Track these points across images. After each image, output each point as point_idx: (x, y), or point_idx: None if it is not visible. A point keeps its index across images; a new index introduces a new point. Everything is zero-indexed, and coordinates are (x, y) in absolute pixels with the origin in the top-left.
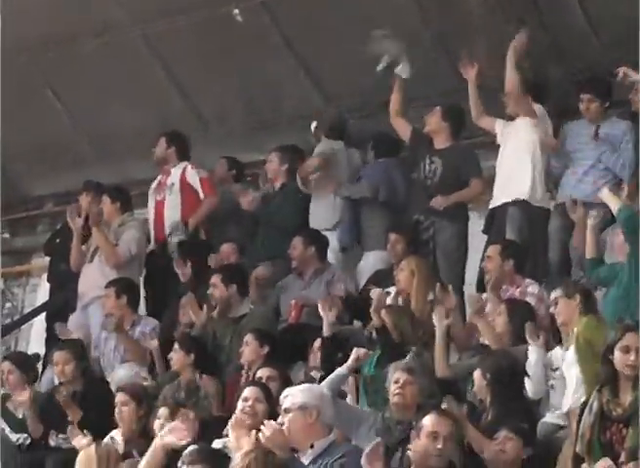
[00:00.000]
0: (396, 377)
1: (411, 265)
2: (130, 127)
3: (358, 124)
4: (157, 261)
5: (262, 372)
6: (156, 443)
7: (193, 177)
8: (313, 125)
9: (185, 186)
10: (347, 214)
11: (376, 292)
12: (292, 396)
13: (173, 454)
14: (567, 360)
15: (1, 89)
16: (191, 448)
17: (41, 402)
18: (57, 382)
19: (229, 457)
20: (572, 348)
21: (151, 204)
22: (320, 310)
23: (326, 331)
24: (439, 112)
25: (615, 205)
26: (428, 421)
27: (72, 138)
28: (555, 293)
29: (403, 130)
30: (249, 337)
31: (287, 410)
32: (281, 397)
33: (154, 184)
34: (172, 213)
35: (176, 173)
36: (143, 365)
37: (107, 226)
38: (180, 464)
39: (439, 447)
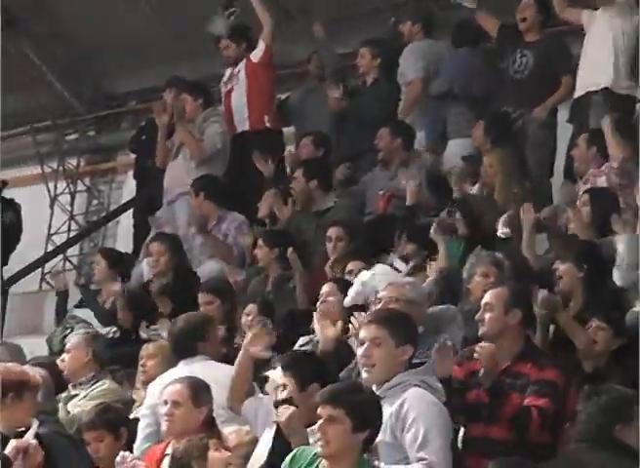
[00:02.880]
0: (484, 271)
1: (495, 158)
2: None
3: None
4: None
5: (354, 265)
6: (242, 353)
7: (256, 54)
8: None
9: (251, 71)
10: (431, 110)
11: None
12: (399, 286)
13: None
14: None
15: None
16: (282, 354)
17: (132, 294)
18: (146, 277)
19: (320, 363)
20: None
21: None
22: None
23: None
24: (533, 3)
25: None
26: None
27: (156, 35)
28: None
29: (489, 23)
30: (332, 231)
31: (392, 299)
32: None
33: (226, 76)
34: (239, 104)
35: (243, 63)
36: (229, 261)
37: (191, 122)
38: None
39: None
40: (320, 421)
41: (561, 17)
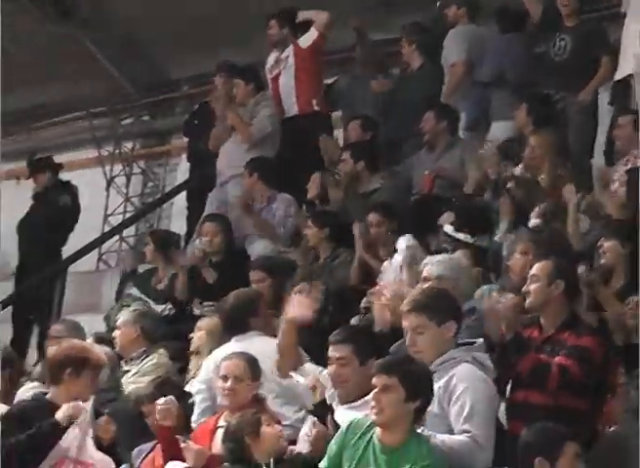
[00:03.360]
0: (522, 248)
1: (541, 140)
2: (258, 10)
3: None
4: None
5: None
6: (285, 319)
7: (306, 40)
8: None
9: (299, 54)
10: (474, 93)
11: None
12: (431, 265)
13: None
14: None
15: None
16: (339, 328)
17: (185, 272)
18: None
19: (377, 338)
20: None
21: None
22: None
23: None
24: None
25: None
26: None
27: (208, 22)
28: None
29: (534, 7)
30: (371, 217)
31: (425, 279)
32: (421, 265)
33: (271, 60)
34: (287, 89)
35: (291, 48)
36: (276, 241)
37: (242, 106)
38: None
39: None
40: (375, 390)
41: None
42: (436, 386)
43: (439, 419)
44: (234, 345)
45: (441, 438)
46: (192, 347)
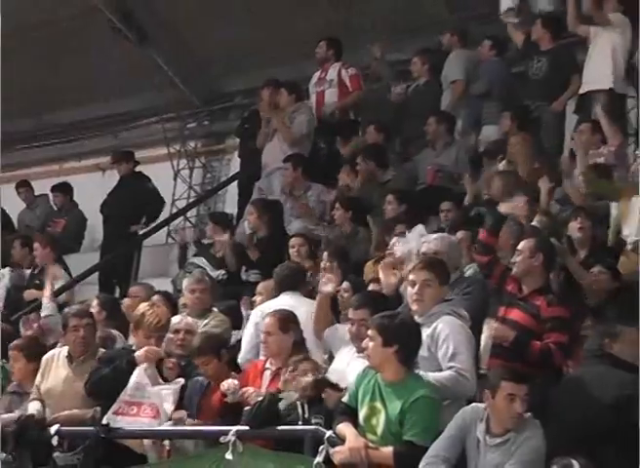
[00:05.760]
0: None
1: (520, 140)
2: (298, 35)
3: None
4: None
5: (399, 228)
6: (319, 294)
7: (345, 75)
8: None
9: (341, 81)
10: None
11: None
12: (428, 242)
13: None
14: None
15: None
16: (358, 294)
17: (235, 245)
18: (247, 232)
19: (387, 299)
20: None
21: (312, 94)
22: None
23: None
24: (539, 22)
25: None
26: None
27: (258, 44)
28: None
29: (518, 36)
30: (390, 197)
31: (424, 254)
32: (420, 242)
33: (315, 79)
34: (331, 103)
35: (333, 70)
36: (312, 221)
37: (284, 112)
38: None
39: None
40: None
41: (573, 31)
42: (425, 334)
43: (428, 361)
44: (283, 299)
45: (432, 375)
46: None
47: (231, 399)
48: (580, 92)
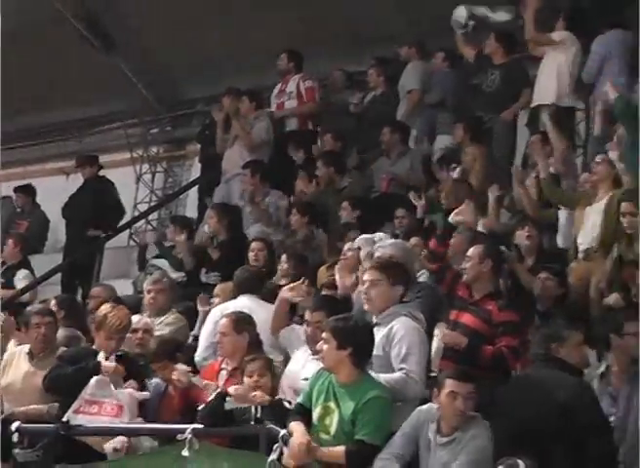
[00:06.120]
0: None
1: (474, 151)
2: (259, 45)
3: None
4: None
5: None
6: (280, 296)
7: (302, 87)
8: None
9: (299, 94)
10: (424, 112)
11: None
12: (383, 247)
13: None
14: (594, 209)
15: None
16: (314, 297)
17: (195, 247)
18: (206, 236)
19: (343, 302)
20: (599, 203)
21: (273, 105)
22: None
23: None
24: (493, 37)
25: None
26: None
27: (219, 54)
28: (598, 158)
29: (468, 52)
30: (345, 203)
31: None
32: (375, 247)
33: (276, 90)
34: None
35: (293, 83)
36: (269, 226)
37: (244, 119)
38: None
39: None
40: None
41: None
42: (380, 334)
43: (382, 361)
44: (242, 300)
45: (382, 376)
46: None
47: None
48: (532, 105)
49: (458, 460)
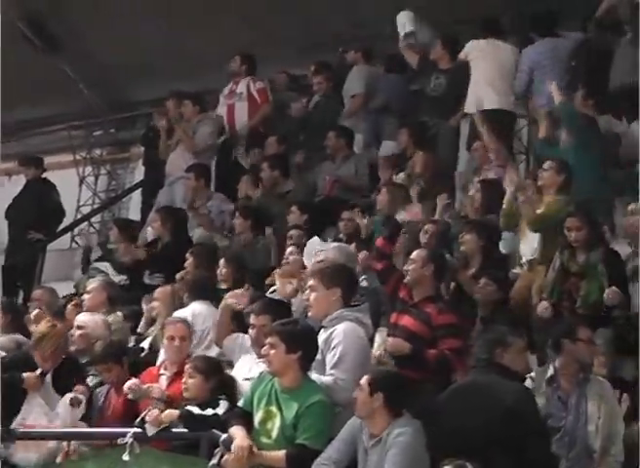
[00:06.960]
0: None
1: (419, 158)
2: (204, 48)
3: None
4: (228, 150)
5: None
6: (222, 304)
7: (253, 89)
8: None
9: (250, 95)
10: (369, 119)
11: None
12: (326, 251)
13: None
14: None
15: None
16: (259, 301)
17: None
18: (150, 238)
19: (288, 306)
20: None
21: (222, 105)
22: None
23: None
24: (439, 43)
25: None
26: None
27: (165, 55)
28: (546, 164)
29: (412, 57)
30: (293, 207)
31: (321, 261)
32: (316, 250)
33: (226, 91)
34: (241, 115)
35: (243, 84)
36: (212, 230)
37: (188, 122)
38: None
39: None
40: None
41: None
42: (322, 338)
43: (321, 365)
44: (195, 306)
45: (314, 377)
46: (153, 312)
47: (133, 396)
48: (471, 111)
49: (385, 461)
